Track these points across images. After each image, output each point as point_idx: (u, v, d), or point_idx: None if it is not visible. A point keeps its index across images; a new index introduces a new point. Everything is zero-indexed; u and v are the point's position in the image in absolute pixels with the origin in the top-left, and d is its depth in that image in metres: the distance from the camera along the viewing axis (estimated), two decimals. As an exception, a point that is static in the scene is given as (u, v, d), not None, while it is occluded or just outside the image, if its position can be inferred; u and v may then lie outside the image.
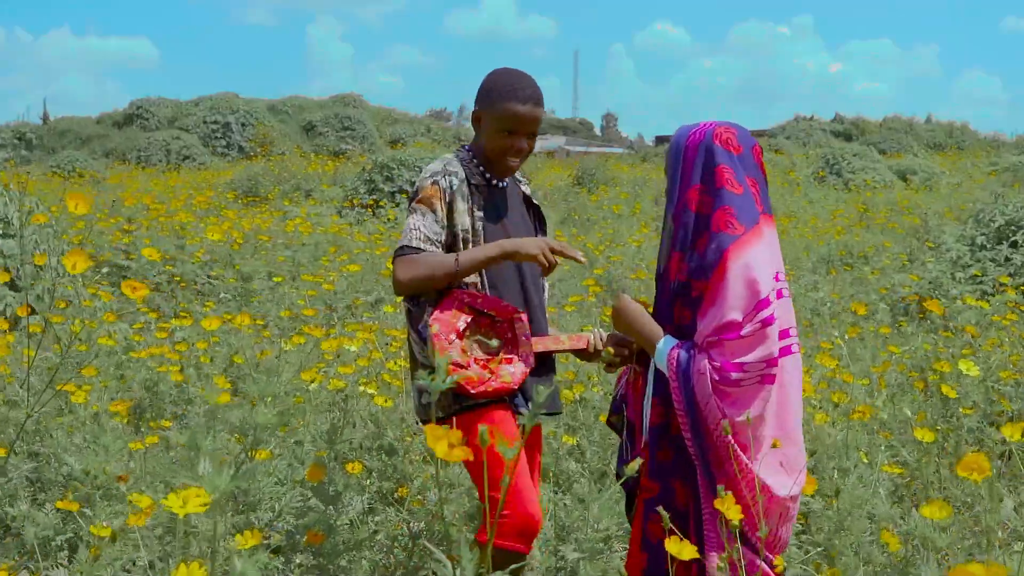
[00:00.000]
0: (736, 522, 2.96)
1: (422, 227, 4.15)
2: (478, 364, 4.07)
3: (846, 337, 8.38)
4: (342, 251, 14.57)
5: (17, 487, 5.05)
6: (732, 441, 3.36)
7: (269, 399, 4.49)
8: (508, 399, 4.17)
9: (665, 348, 3.56)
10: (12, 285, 10.10)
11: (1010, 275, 11.52)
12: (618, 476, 3.81)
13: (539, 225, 4.60)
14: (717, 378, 3.39)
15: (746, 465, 3.40)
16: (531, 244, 4.07)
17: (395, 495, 5.15)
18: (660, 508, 3.09)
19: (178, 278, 12.77)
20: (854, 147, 35.54)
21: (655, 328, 3.65)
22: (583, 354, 4.39)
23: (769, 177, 3.70)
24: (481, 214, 4.27)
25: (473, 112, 4.44)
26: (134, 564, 4.29)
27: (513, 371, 4.08)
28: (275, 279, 12.45)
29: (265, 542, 4.74)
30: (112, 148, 43.46)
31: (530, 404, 3.70)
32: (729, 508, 2.95)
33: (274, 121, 47.35)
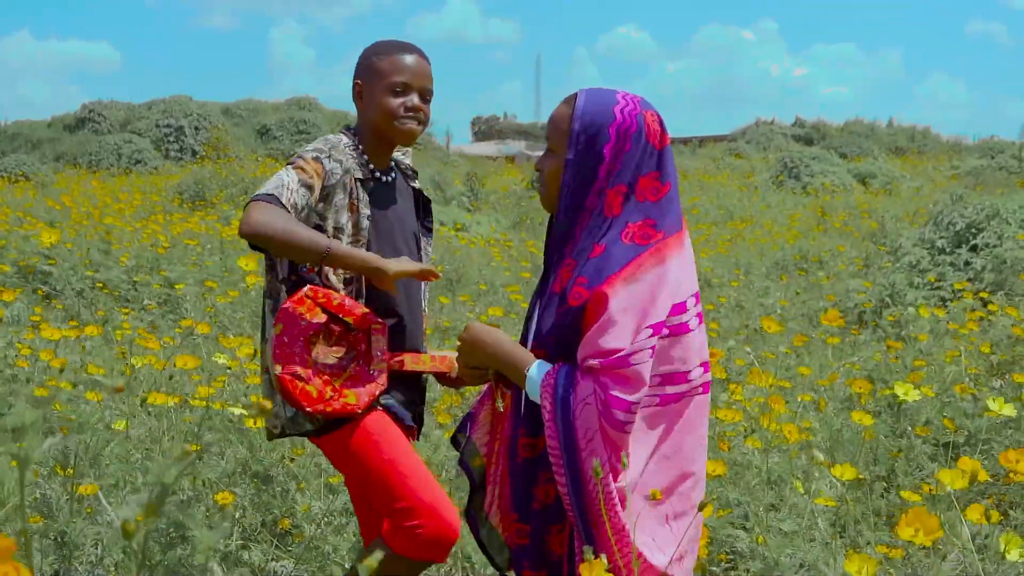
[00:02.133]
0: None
1: (293, 190, 3.48)
2: (320, 379, 3.47)
3: (792, 346, 7.86)
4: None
5: None
6: (611, 490, 2.76)
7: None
8: (377, 402, 3.59)
9: (538, 375, 2.88)
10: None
11: (969, 280, 11.00)
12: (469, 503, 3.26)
13: (425, 223, 4.01)
14: (603, 413, 2.73)
15: (622, 524, 2.79)
16: (395, 270, 3.46)
17: (274, 528, 4.55)
18: None
19: (101, 284, 12.18)
20: (814, 151, 35.45)
21: (521, 353, 2.98)
22: (443, 378, 3.84)
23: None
24: (367, 211, 3.67)
25: (353, 86, 3.84)
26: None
27: (359, 392, 3.48)
28: (177, 286, 11.86)
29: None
30: (63, 152, 42.70)
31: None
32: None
33: (228, 124, 46.79)
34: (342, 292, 3.60)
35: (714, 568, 4.28)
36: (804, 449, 4.75)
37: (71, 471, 4.13)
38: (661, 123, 2.95)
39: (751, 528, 4.16)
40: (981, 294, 9.83)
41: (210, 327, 8.35)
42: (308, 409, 3.42)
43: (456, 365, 3.40)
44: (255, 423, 4.57)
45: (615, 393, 2.71)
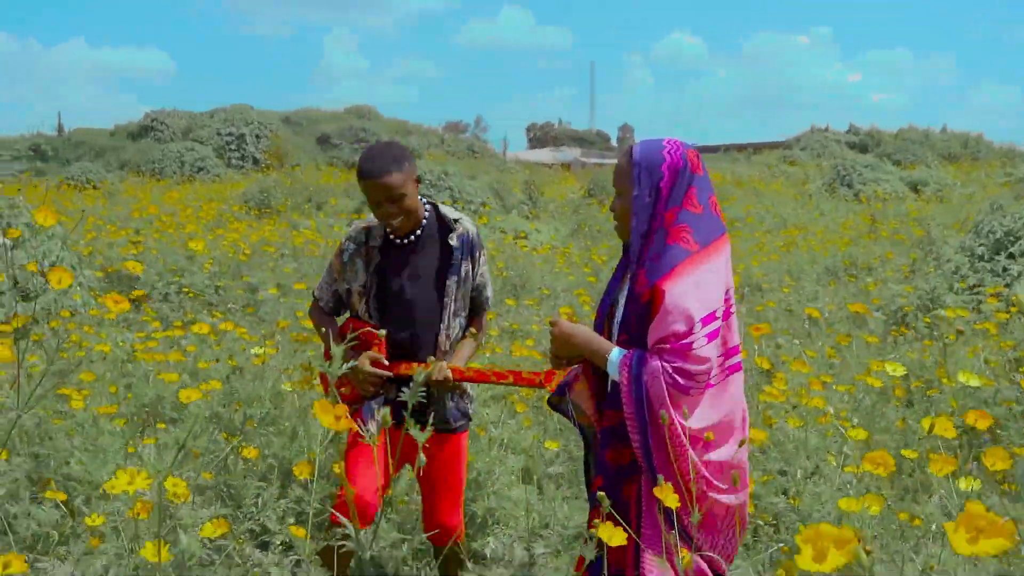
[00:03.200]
0: (673, 508, 3.18)
1: (323, 281, 5.11)
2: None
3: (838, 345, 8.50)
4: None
5: (19, 486, 5.20)
6: (682, 436, 3.56)
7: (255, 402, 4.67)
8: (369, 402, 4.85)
9: (616, 358, 3.73)
10: (24, 294, 10.28)
11: (1006, 286, 11.60)
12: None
13: (454, 267, 4.99)
14: (670, 382, 3.57)
15: (692, 464, 3.57)
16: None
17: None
18: (601, 494, 3.29)
19: (186, 288, 12.95)
20: (867, 159, 35.70)
21: (602, 342, 3.84)
22: (433, 382, 4.73)
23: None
24: (374, 274, 4.92)
25: None
26: (129, 553, 4.44)
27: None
28: (271, 290, 12.63)
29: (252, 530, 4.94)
30: (126, 160, 43.34)
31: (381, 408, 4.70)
32: (667, 496, 3.15)
33: (288, 133, 47.51)
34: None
35: (759, 522, 4.99)
36: (833, 427, 5.44)
37: (236, 438, 4.96)
38: (698, 156, 3.87)
39: (789, 491, 4.87)
40: (1013, 298, 10.40)
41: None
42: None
43: (433, 371, 4.63)
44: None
45: (679, 366, 3.55)
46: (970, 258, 12.98)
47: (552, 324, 4.00)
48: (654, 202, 3.79)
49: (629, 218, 3.84)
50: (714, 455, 3.67)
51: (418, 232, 4.93)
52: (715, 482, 3.64)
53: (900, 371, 4.97)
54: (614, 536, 2.98)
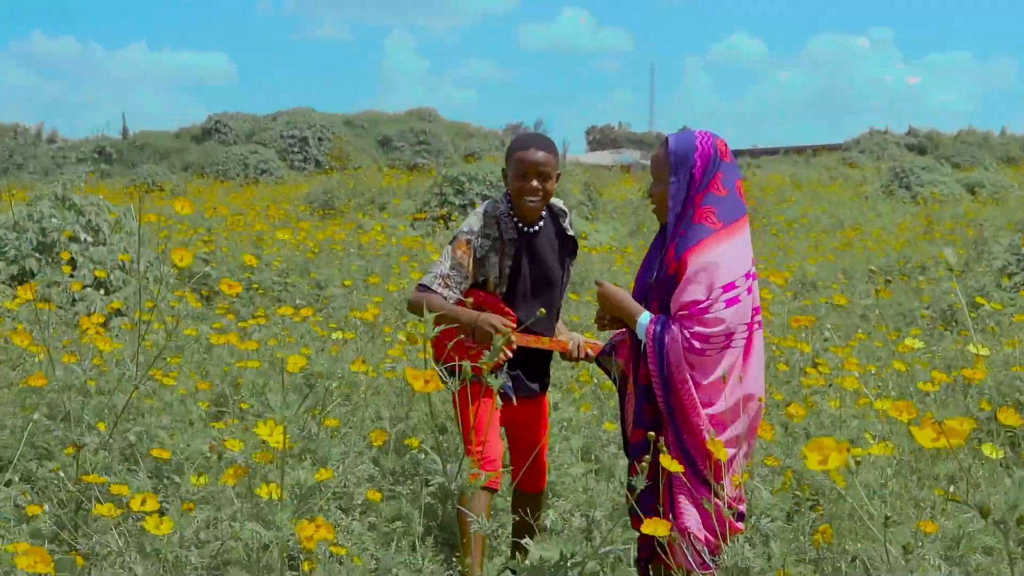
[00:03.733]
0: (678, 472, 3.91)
1: (446, 271, 5.26)
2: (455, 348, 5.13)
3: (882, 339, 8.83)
4: (413, 261, 15.18)
5: (113, 458, 5.61)
6: (693, 397, 4.16)
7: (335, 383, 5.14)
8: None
9: (644, 321, 4.29)
10: (104, 287, 10.78)
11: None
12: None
13: (570, 253, 5.61)
14: (687, 346, 4.12)
15: (702, 421, 4.17)
16: (484, 325, 5.05)
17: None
18: (651, 433, 3.98)
19: (256, 285, 13.42)
20: (924, 160, 35.74)
21: (635, 306, 4.40)
22: (565, 356, 5.29)
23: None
24: (509, 262, 5.33)
25: (502, 170, 5.48)
26: (247, 493, 4.88)
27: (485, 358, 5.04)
28: (345, 283, 13.09)
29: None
30: (190, 162, 43.97)
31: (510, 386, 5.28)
32: (670, 464, 3.84)
33: (350, 135, 47.97)
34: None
35: (798, 493, 5.38)
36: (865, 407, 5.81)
37: (317, 411, 5.44)
38: (726, 145, 4.44)
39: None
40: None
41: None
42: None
43: (568, 347, 5.17)
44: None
45: (696, 331, 4.12)
46: (1017, 256, 13.27)
47: (597, 284, 4.65)
48: (687, 187, 4.32)
49: (666, 201, 4.37)
50: (715, 409, 4.21)
51: (540, 222, 5.44)
52: (721, 435, 4.14)
53: (917, 344, 5.34)
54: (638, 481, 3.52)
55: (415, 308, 5.18)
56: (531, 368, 5.43)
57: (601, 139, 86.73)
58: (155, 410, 6.22)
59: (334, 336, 7.87)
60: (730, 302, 4.14)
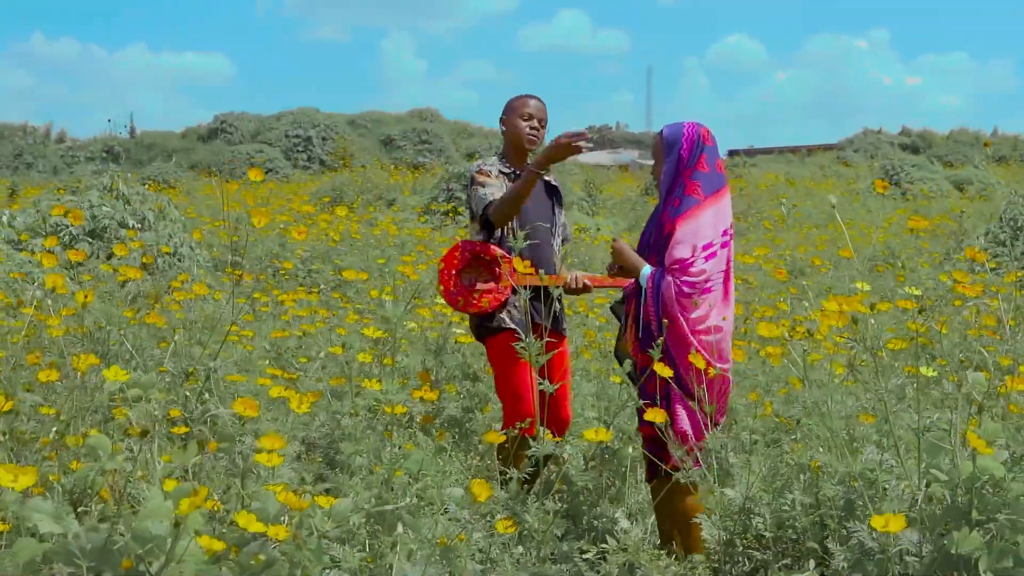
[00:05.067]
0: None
1: (493, 190, 6.15)
2: (460, 293, 6.09)
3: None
4: (427, 249, 16.09)
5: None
6: (685, 326, 5.21)
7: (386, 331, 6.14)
8: (516, 331, 6.02)
9: (646, 272, 5.34)
10: (149, 271, 11.73)
11: (1022, 269, 12.78)
12: (616, 353, 5.70)
13: (557, 200, 6.61)
14: (677, 290, 5.19)
15: (692, 345, 5.22)
16: (549, 150, 5.98)
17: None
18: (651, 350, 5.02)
19: (283, 271, 14.36)
20: (915, 159, 36.46)
21: (639, 260, 5.44)
22: (568, 290, 6.17)
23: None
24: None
25: (500, 123, 6.53)
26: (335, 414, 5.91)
27: (490, 299, 6.09)
28: (362, 275, 14.04)
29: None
30: (197, 161, 44.58)
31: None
32: (663, 370, 4.95)
33: (354, 135, 48.56)
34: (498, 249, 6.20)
35: (778, 421, 6.31)
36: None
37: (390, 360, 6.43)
38: (708, 131, 5.50)
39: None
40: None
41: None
42: (456, 308, 6.18)
43: (566, 279, 6.09)
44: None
45: (683, 279, 5.20)
46: (992, 244, 14.23)
47: (613, 240, 5.67)
48: (676, 164, 5.40)
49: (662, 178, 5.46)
50: (704, 337, 5.26)
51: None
52: (709, 357, 5.16)
53: (917, 291, 5.67)
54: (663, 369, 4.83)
55: (502, 215, 6.08)
56: (539, 307, 6.09)
57: (599, 139, 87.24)
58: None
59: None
60: (708, 257, 5.20)
